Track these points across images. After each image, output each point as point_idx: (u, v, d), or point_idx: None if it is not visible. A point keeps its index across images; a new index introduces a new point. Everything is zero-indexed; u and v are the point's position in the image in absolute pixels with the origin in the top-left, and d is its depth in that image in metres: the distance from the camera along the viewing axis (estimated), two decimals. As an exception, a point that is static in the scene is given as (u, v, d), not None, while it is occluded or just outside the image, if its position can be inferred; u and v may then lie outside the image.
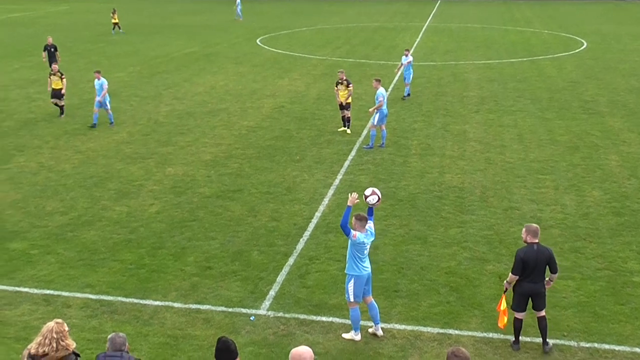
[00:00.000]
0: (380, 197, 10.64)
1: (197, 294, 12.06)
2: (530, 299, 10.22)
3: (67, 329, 6.86)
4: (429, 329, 10.95)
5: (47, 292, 12.14)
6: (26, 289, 12.24)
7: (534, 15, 59.57)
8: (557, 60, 36.28)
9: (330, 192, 17.03)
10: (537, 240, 10.10)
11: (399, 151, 20.29)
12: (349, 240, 10.29)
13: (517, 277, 10.08)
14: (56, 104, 24.45)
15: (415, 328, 10.98)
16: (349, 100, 22.12)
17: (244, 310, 11.49)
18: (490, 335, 10.68)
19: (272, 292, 12.10)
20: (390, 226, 14.95)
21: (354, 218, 10.29)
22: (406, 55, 27.68)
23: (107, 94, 23.15)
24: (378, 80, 20.94)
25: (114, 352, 6.70)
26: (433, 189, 17.19)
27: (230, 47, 41.82)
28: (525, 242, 10.17)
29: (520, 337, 10.43)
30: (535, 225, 10.31)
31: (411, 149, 20.52)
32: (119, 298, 11.92)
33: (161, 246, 14.01)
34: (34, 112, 25.34)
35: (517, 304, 10.26)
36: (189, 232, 14.68)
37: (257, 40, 45.02)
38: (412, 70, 27.62)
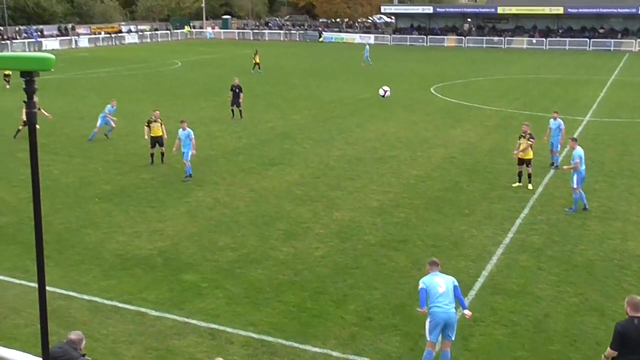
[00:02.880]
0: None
1: (356, 344, 11.87)
2: None
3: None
4: (604, 413, 9.97)
5: (213, 326, 12.48)
6: (194, 321, 12.66)
7: None
8: None
9: (500, 250, 16.31)
10: (638, 315, 9.15)
11: (577, 213, 19.06)
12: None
13: (616, 352, 9.19)
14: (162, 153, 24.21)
15: (588, 410, 10.07)
16: (530, 155, 21.09)
17: (402, 368, 11.15)
18: None
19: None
20: (563, 293, 13.98)
21: (427, 264, 10.93)
22: (554, 119, 23.77)
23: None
24: (574, 140, 19.69)
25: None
26: (614, 257, 15.92)
27: (404, 94, 41.98)
28: (626, 314, 9.34)
29: None
30: (638, 297, 9.31)
31: (591, 211, 19.23)
32: (280, 340, 11.99)
33: (324, 291, 14.03)
34: (214, 149, 26.75)
35: None
36: (352, 280, 14.60)
37: (431, 89, 44.94)
38: (561, 135, 23.36)
